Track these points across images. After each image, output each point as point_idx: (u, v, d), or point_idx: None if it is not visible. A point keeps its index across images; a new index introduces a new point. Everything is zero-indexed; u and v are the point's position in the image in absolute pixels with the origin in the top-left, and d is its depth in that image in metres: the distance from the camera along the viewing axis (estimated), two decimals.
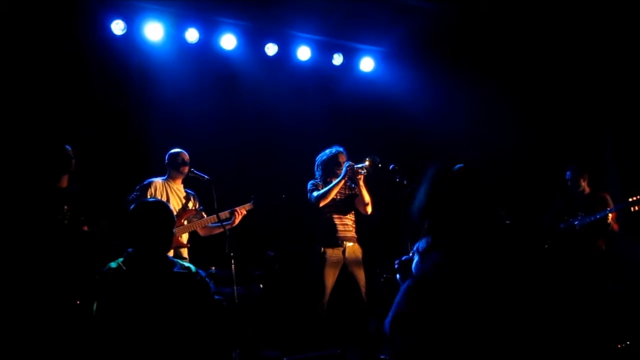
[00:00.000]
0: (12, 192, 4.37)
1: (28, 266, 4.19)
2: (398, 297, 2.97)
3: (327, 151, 5.27)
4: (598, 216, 5.50)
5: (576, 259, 5.63)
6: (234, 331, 4.72)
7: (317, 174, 5.27)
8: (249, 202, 5.10)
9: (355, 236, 5.13)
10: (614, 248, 5.70)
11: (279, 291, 5.93)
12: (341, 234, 5.03)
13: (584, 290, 5.47)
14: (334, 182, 5.03)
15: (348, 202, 5.16)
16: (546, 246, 5.80)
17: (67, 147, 4.55)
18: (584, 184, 5.78)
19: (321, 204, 4.99)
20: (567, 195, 5.88)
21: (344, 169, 5.03)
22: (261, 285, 5.56)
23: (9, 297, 4.14)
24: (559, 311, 5.50)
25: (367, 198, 5.07)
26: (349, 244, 5.03)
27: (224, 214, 4.89)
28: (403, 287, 2.99)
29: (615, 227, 5.50)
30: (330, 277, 4.91)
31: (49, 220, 4.31)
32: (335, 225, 5.04)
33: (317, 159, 5.32)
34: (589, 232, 5.58)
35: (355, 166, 5.04)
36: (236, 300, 4.70)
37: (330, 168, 5.18)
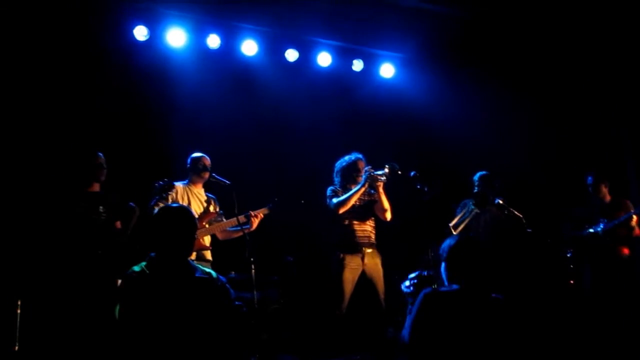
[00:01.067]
0: (50, 195, 4.52)
1: (67, 264, 4.31)
2: (415, 307, 2.97)
3: (347, 158, 5.26)
4: (620, 220, 5.44)
5: (600, 266, 5.57)
6: (252, 337, 4.74)
7: (336, 180, 5.26)
8: (266, 206, 5.10)
9: (375, 242, 5.11)
10: (638, 254, 5.62)
11: (296, 297, 5.93)
12: (360, 240, 5.01)
13: (609, 297, 5.41)
14: (354, 189, 5.02)
15: (367, 208, 5.15)
16: (568, 254, 5.74)
17: (100, 155, 4.69)
18: (604, 190, 5.73)
19: (341, 211, 4.98)
20: (587, 202, 5.82)
21: (363, 175, 5.02)
22: (279, 291, 5.56)
23: (47, 293, 4.26)
24: (583, 318, 5.45)
25: (386, 204, 5.06)
26: (368, 250, 5.01)
27: (240, 218, 4.91)
28: (420, 296, 2.98)
29: (638, 231, 5.43)
30: (349, 283, 4.89)
31: (87, 219, 4.43)
32: (354, 231, 5.02)
33: (336, 165, 5.31)
34: (611, 238, 5.52)
35: (375, 173, 5.03)
36: (256, 306, 4.72)
37: (350, 174, 5.17)
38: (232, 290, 3.13)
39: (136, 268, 2.97)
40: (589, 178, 5.77)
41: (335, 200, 5.04)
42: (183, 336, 2.86)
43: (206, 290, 3.00)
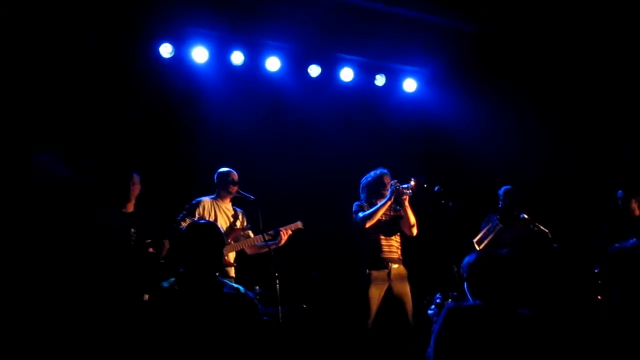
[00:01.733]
0: (83, 216, 4.63)
1: (97, 285, 4.38)
2: (438, 322, 2.94)
3: (372, 173, 5.26)
4: None
5: (629, 282, 5.46)
6: (279, 352, 4.73)
7: (362, 195, 5.26)
8: (297, 221, 5.10)
9: (401, 258, 5.09)
10: None
11: (322, 312, 5.91)
12: (386, 255, 4.99)
13: (637, 315, 5.30)
14: (380, 203, 5.01)
15: (393, 223, 5.14)
16: (596, 270, 5.65)
17: (136, 175, 4.79)
18: (634, 205, 5.63)
19: (367, 225, 4.96)
20: (616, 217, 5.73)
21: (389, 189, 5.02)
22: (304, 306, 5.55)
23: (77, 312, 4.33)
24: (610, 336, 5.35)
25: (412, 219, 5.04)
26: (394, 266, 4.98)
27: (267, 235, 4.92)
28: (443, 311, 2.95)
29: None
30: (375, 299, 4.87)
31: (118, 241, 4.51)
32: (380, 246, 5.01)
33: (362, 180, 5.31)
34: None
35: (400, 187, 5.01)
36: (281, 321, 4.72)
37: (376, 189, 5.16)
38: (260, 306, 3.13)
39: (165, 284, 2.99)
40: (619, 192, 5.69)
41: (361, 214, 5.03)
42: (212, 352, 2.86)
43: (235, 306, 2.99)
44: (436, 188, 5.08)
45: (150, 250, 4.69)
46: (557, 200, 6.48)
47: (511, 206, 5.56)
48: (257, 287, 5.25)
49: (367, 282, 4.89)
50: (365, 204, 5.16)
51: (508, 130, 6.88)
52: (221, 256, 3.12)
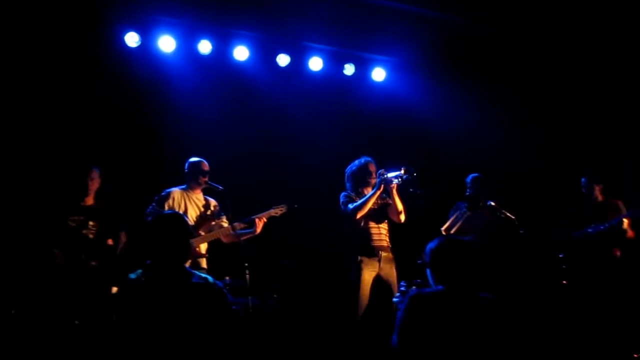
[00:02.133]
0: (39, 210, 4.56)
1: (52, 278, 4.31)
2: (401, 310, 2.95)
3: (356, 162, 5.23)
4: (613, 223, 5.46)
5: (592, 267, 5.60)
6: (249, 342, 4.73)
7: (348, 185, 5.23)
8: (276, 207, 5.07)
9: (390, 245, 5.09)
10: (631, 256, 5.65)
11: (293, 301, 5.93)
12: (376, 243, 4.98)
13: (600, 299, 5.44)
14: (369, 193, 4.99)
15: (382, 211, 5.10)
16: (561, 255, 5.77)
17: (96, 169, 4.72)
18: (598, 192, 5.75)
19: (358, 216, 4.93)
20: (579, 203, 5.85)
21: (377, 179, 5.00)
22: (275, 296, 5.55)
23: (31, 308, 4.25)
24: (575, 320, 5.48)
25: (400, 206, 5.02)
26: (383, 254, 4.97)
27: (237, 225, 4.88)
28: (405, 299, 2.97)
29: (631, 234, 5.46)
30: (368, 286, 4.85)
31: (76, 235, 4.45)
32: (370, 234, 4.99)
33: (346, 170, 5.27)
34: (604, 240, 5.54)
35: (387, 175, 4.99)
36: (250, 311, 4.72)
37: (362, 178, 5.15)
38: (229, 295, 3.13)
39: (132, 275, 2.97)
40: (583, 179, 5.80)
41: (351, 205, 4.99)
42: (180, 342, 2.85)
43: (203, 296, 2.99)
44: (405, 176, 5.09)
45: (110, 242, 4.65)
46: (523, 187, 6.59)
47: (479, 194, 5.63)
48: (227, 278, 5.22)
49: (360, 269, 4.86)
50: (352, 193, 5.14)
51: (476, 118, 6.95)
52: (188, 246, 3.11)
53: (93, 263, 4.54)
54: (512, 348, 2.91)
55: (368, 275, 4.87)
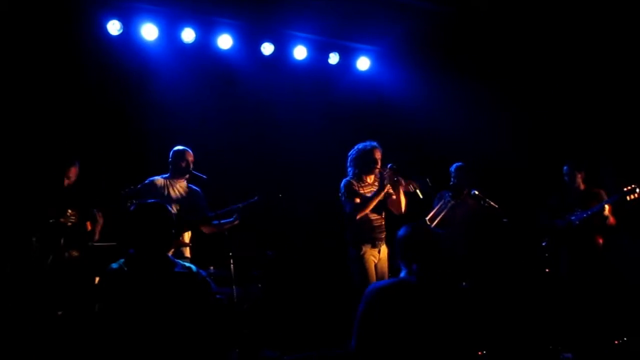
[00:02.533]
0: (18, 197, 4.49)
1: (30, 268, 4.26)
2: (359, 308, 2.86)
3: (361, 146, 4.93)
4: (595, 209, 5.51)
5: (574, 255, 5.66)
6: (233, 331, 4.73)
7: (350, 170, 4.96)
8: (253, 199, 4.99)
9: (385, 237, 4.97)
10: (612, 243, 5.72)
11: (278, 291, 5.93)
12: (377, 235, 4.85)
13: (582, 285, 5.50)
14: (373, 194, 4.76)
15: (382, 203, 4.94)
16: (544, 243, 5.83)
17: (75, 165, 4.67)
18: (579, 179, 5.80)
19: (358, 217, 4.74)
20: (562, 192, 5.90)
21: (381, 178, 4.76)
22: (260, 285, 5.55)
23: (11, 299, 4.20)
24: (557, 307, 5.54)
25: (403, 203, 4.89)
26: (382, 246, 4.88)
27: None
28: (363, 296, 2.88)
29: (613, 220, 5.52)
30: (373, 273, 4.73)
31: (55, 224, 4.40)
32: (373, 226, 4.83)
33: (349, 153, 4.99)
34: (586, 227, 5.60)
35: (398, 177, 4.76)
36: (235, 300, 4.71)
37: (365, 165, 4.88)
38: (213, 284, 3.12)
39: (114, 265, 2.95)
40: (565, 167, 5.85)
41: (351, 206, 4.76)
42: (164, 331, 2.84)
43: (186, 285, 2.98)
44: (389, 165, 5.06)
45: (88, 226, 4.60)
46: (506, 176, 6.63)
47: (462, 182, 5.66)
48: (212, 268, 5.21)
49: (363, 258, 4.73)
50: (353, 180, 4.88)
51: (460, 107, 6.98)
52: (171, 236, 3.08)
53: (74, 253, 4.49)
54: (478, 336, 2.89)
55: (370, 265, 4.75)
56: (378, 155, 4.88)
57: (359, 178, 4.90)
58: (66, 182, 4.76)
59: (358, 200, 4.78)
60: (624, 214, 5.62)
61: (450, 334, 2.74)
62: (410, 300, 2.77)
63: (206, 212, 4.95)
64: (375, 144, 4.91)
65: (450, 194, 5.66)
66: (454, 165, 5.81)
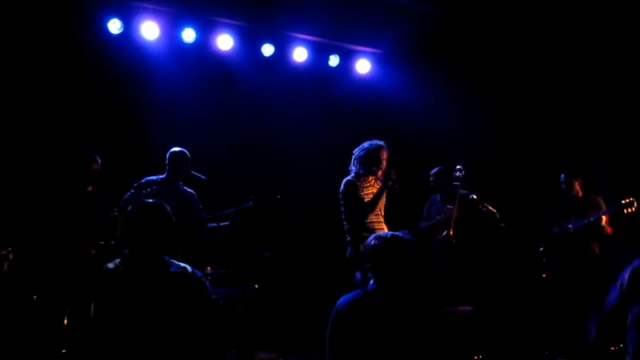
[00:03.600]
0: (40, 197, 4.50)
1: (51, 266, 4.27)
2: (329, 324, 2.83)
3: (367, 145, 4.86)
4: (592, 219, 5.52)
5: (570, 262, 5.66)
6: (229, 332, 4.72)
7: (354, 168, 4.89)
8: (248, 204, 5.00)
9: None
10: (608, 251, 5.72)
11: (274, 291, 5.93)
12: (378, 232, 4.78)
13: (578, 291, 5.51)
14: (376, 196, 4.75)
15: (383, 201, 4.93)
16: (540, 250, 5.83)
17: (97, 157, 4.67)
18: (577, 187, 5.81)
19: (367, 220, 4.73)
20: (559, 199, 5.91)
21: (386, 179, 4.74)
22: (256, 286, 5.54)
23: (25, 294, 4.22)
24: (553, 312, 5.55)
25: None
26: None
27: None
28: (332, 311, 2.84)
29: (609, 230, 5.52)
30: None
31: (75, 223, 4.42)
32: (374, 226, 4.78)
33: (355, 151, 4.92)
34: (582, 235, 5.61)
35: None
36: (231, 301, 4.70)
37: (369, 165, 4.82)
38: (208, 285, 3.12)
39: (110, 265, 2.94)
40: (562, 175, 5.86)
41: (355, 208, 4.74)
42: (159, 331, 2.84)
43: (182, 285, 2.97)
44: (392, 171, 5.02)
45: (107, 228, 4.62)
46: (504, 182, 6.63)
47: (443, 186, 5.74)
48: (208, 268, 5.20)
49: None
50: (355, 180, 4.82)
51: (459, 112, 6.98)
52: (168, 236, 3.08)
53: (92, 251, 4.49)
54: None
55: None
56: (384, 155, 4.84)
57: (361, 177, 4.85)
58: (91, 179, 4.71)
59: (362, 202, 4.74)
60: (621, 225, 5.63)
61: (413, 346, 2.68)
62: (369, 314, 2.72)
63: (201, 215, 4.95)
64: (382, 143, 4.86)
65: (439, 197, 5.76)
66: (434, 170, 5.85)
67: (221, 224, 4.82)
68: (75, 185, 4.68)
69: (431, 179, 5.90)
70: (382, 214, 4.90)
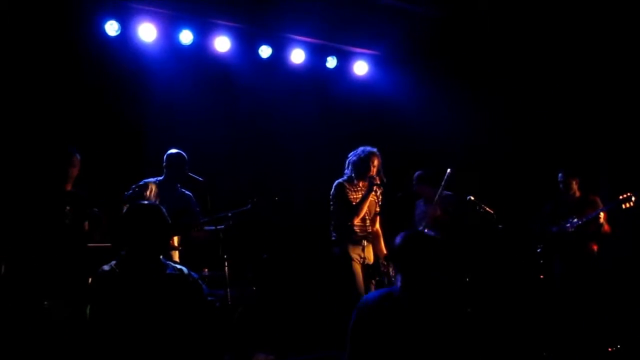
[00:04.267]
0: (18, 194, 4.45)
1: (28, 266, 4.24)
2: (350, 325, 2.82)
3: (360, 150, 4.97)
4: (590, 217, 5.52)
5: (568, 262, 5.66)
6: (226, 334, 4.72)
7: (347, 171, 5.00)
8: (246, 207, 4.98)
9: (371, 235, 5.01)
10: (607, 250, 5.73)
11: (272, 293, 5.92)
12: (362, 235, 4.90)
13: (576, 292, 5.51)
14: (362, 199, 4.85)
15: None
16: (539, 250, 5.83)
17: (77, 155, 4.62)
18: (575, 186, 5.80)
19: (354, 222, 4.84)
20: (557, 198, 5.91)
21: (371, 183, 4.83)
22: (254, 288, 5.54)
23: (8, 296, 4.18)
24: (551, 313, 5.55)
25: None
26: (365, 243, 4.91)
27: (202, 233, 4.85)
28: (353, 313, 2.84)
29: (608, 228, 5.52)
30: (360, 273, 4.78)
31: (51, 220, 4.37)
32: (359, 226, 4.89)
33: (349, 155, 5.03)
34: (581, 234, 5.61)
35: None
36: (229, 303, 4.69)
37: (360, 170, 4.92)
38: (204, 286, 3.11)
39: (106, 267, 2.93)
40: (560, 175, 5.85)
41: (343, 211, 4.85)
42: (155, 334, 2.83)
43: (178, 287, 2.97)
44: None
45: (86, 226, 4.56)
46: (502, 183, 6.63)
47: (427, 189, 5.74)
48: (206, 270, 5.20)
49: (348, 258, 4.78)
50: (345, 183, 4.93)
51: (457, 113, 6.99)
52: (165, 238, 3.07)
53: (69, 250, 4.46)
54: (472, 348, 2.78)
55: (356, 263, 4.80)
56: (376, 161, 4.93)
57: (353, 182, 4.97)
58: (69, 179, 4.66)
59: (350, 205, 4.86)
60: (619, 221, 5.63)
61: (437, 349, 2.68)
62: (393, 314, 2.72)
63: (198, 218, 4.94)
64: (374, 150, 4.96)
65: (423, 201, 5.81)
66: (416, 174, 5.86)
67: (218, 227, 4.79)
68: (54, 185, 4.61)
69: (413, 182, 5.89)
70: (370, 218, 4.99)
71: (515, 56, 6.75)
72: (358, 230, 4.89)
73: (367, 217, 4.95)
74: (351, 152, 5.04)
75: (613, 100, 6.58)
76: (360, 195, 4.91)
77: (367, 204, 4.87)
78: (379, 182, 4.87)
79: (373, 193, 4.92)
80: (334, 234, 4.96)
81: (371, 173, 4.89)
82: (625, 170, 6.39)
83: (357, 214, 4.83)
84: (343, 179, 4.99)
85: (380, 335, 2.70)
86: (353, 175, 4.96)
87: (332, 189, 4.97)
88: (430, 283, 2.80)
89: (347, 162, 5.05)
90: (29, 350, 4.02)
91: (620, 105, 6.54)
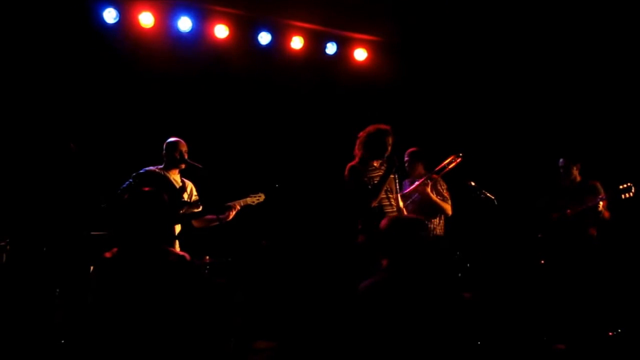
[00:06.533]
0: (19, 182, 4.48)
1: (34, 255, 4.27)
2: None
3: (372, 129, 4.76)
4: (589, 205, 5.51)
5: (568, 247, 5.67)
6: (228, 321, 4.72)
7: (359, 153, 4.79)
8: (250, 195, 4.98)
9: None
10: (606, 236, 5.73)
11: (273, 280, 5.94)
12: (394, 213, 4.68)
13: (576, 277, 5.52)
14: (381, 180, 4.62)
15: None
16: (539, 235, 5.84)
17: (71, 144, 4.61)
18: (575, 172, 5.79)
19: (374, 204, 4.62)
20: (558, 184, 5.90)
21: (390, 165, 4.62)
22: (255, 275, 5.56)
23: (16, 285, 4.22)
24: (551, 298, 5.57)
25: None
26: None
27: (209, 217, 4.83)
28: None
29: (607, 215, 5.52)
30: None
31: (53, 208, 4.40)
32: (386, 213, 4.64)
33: (360, 136, 4.82)
34: (580, 220, 5.60)
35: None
36: (230, 290, 4.70)
37: (374, 150, 4.72)
38: (207, 273, 3.12)
39: (107, 254, 2.94)
40: (561, 160, 5.84)
41: (362, 194, 4.62)
42: (157, 320, 2.84)
43: (180, 274, 2.97)
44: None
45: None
46: (503, 169, 6.63)
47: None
48: (207, 258, 5.20)
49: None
50: (359, 165, 4.72)
51: (457, 100, 6.97)
52: (166, 224, 3.08)
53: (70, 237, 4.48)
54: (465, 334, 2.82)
55: None
56: (389, 140, 4.73)
57: (365, 162, 4.76)
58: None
59: (366, 187, 4.64)
60: (618, 210, 5.62)
61: (429, 332, 2.68)
62: (383, 299, 2.72)
63: (198, 205, 4.94)
64: (388, 128, 4.76)
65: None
66: (409, 150, 5.70)
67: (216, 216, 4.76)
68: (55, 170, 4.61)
69: (405, 159, 5.74)
70: (395, 196, 4.75)
71: (518, 42, 6.72)
72: (386, 212, 4.62)
73: (391, 196, 4.72)
74: (360, 132, 4.83)
75: (615, 92, 6.57)
76: (378, 174, 4.68)
77: (385, 184, 4.63)
78: (398, 163, 4.67)
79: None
80: (359, 222, 4.69)
81: (388, 152, 4.70)
82: (626, 159, 6.38)
83: (376, 196, 4.59)
84: (355, 162, 4.77)
85: (374, 321, 2.71)
86: (366, 155, 4.75)
87: (346, 173, 4.73)
88: (417, 266, 2.79)
89: (357, 142, 4.82)
90: (35, 337, 4.05)
91: (621, 96, 6.53)
